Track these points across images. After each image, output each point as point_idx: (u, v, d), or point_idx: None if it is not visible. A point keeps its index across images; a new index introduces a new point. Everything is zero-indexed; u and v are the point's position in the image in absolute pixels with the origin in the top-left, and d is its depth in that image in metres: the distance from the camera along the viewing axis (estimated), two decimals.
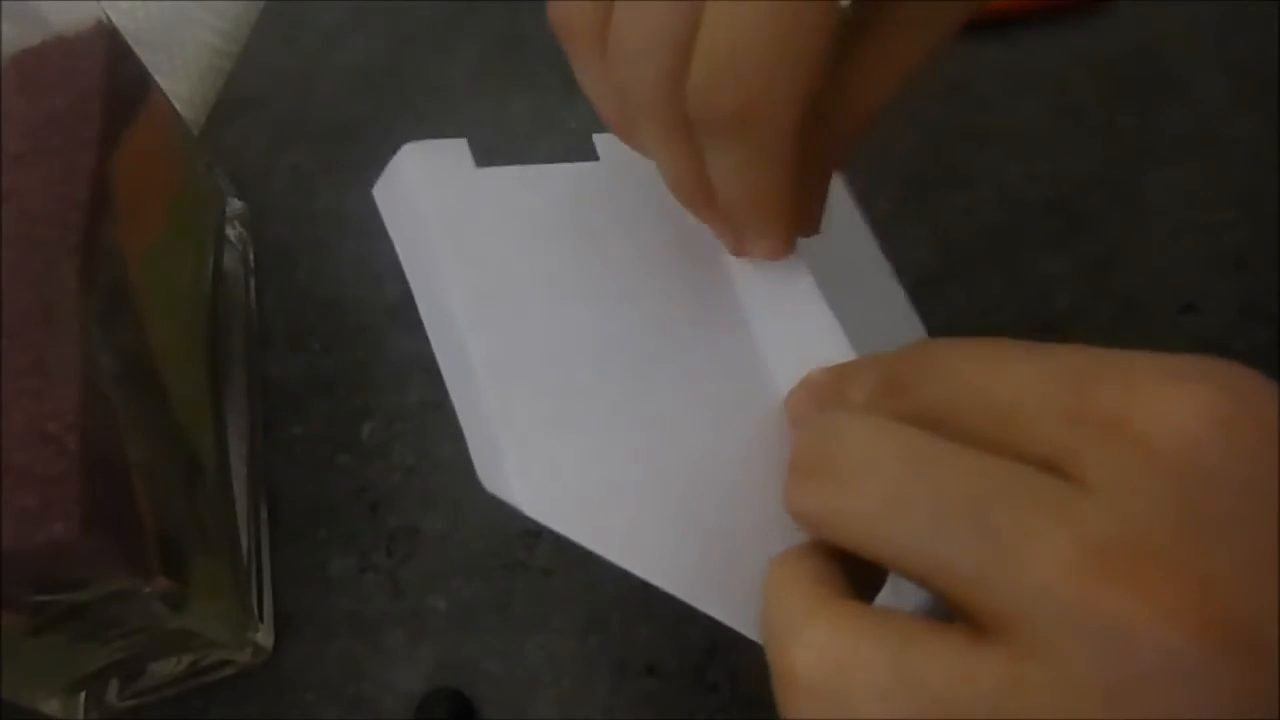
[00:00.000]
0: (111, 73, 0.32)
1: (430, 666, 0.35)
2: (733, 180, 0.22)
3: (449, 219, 0.22)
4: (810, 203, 0.24)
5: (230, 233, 0.40)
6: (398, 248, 0.23)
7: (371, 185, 0.24)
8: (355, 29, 0.48)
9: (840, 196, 0.29)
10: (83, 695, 0.32)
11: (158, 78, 0.36)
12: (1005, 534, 0.16)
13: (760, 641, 0.19)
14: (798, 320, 0.23)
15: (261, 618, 0.35)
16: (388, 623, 0.35)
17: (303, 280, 0.42)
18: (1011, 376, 0.18)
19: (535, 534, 0.36)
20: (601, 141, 0.26)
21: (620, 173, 0.25)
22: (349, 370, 0.40)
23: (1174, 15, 0.45)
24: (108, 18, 0.33)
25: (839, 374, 0.22)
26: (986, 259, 0.40)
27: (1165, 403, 0.16)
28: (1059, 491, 0.16)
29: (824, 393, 0.22)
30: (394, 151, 0.23)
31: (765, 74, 0.19)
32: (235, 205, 0.41)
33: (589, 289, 0.23)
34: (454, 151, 0.23)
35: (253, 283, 0.41)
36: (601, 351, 0.22)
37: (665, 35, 0.20)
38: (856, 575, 0.18)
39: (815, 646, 0.17)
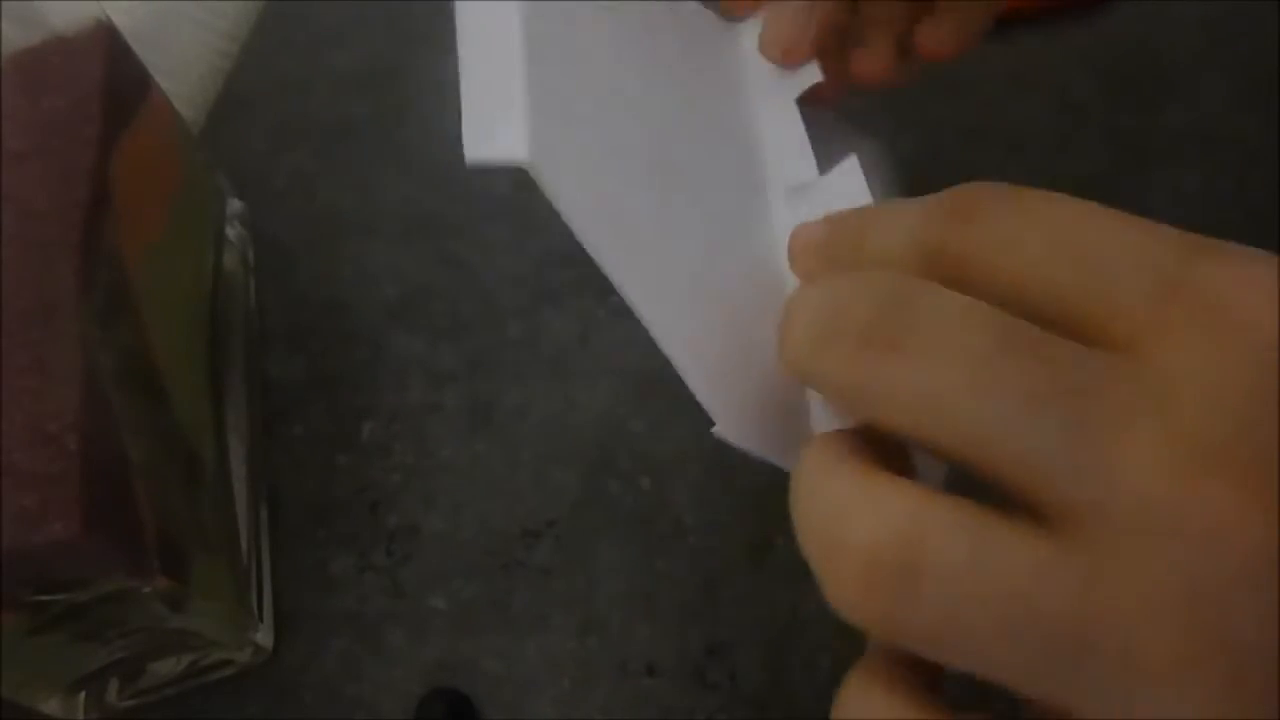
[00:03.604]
0: (111, 73, 0.32)
1: (430, 666, 0.35)
2: None
3: None
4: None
5: (230, 233, 0.40)
6: None
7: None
8: (355, 29, 0.48)
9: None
10: (83, 695, 0.32)
11: (158, 78, 0.36)
12: (1097, 426, 0.15)
13: (727, 435, 0.19)
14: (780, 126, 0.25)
15: (261, 617, 0.35)
16: (388, 623, 0.35)
17: (303, 280, 0.42)
18: (1105, 228, 0.16)
19: (535, 534, 0.36)
20: None
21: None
22: (349, 370, 0.40)
23: (1174, 15, 0.44)
24: (108, 18, 0.33)
25: (860, 217, 0.20)
26: None
27: (1274, 292, 0.15)
28: (1156, 385, 0.15)
29: (839, 231, 0.21)
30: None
31: None
32: (235, 205, 0.41)
33: (632, 82, 0.23)
34: None
35: (253, 283, 0.41)
36: (632, 118, 0.22)
37: None
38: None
39: (884, 517, 0.15)
